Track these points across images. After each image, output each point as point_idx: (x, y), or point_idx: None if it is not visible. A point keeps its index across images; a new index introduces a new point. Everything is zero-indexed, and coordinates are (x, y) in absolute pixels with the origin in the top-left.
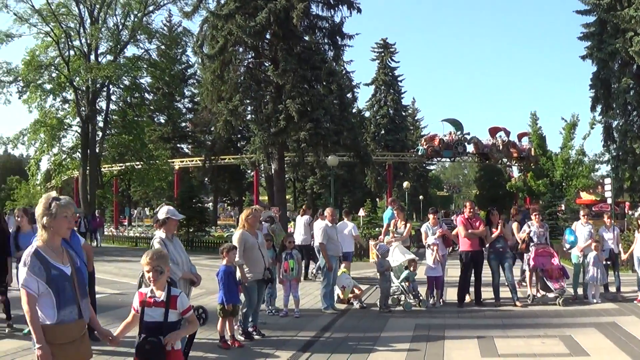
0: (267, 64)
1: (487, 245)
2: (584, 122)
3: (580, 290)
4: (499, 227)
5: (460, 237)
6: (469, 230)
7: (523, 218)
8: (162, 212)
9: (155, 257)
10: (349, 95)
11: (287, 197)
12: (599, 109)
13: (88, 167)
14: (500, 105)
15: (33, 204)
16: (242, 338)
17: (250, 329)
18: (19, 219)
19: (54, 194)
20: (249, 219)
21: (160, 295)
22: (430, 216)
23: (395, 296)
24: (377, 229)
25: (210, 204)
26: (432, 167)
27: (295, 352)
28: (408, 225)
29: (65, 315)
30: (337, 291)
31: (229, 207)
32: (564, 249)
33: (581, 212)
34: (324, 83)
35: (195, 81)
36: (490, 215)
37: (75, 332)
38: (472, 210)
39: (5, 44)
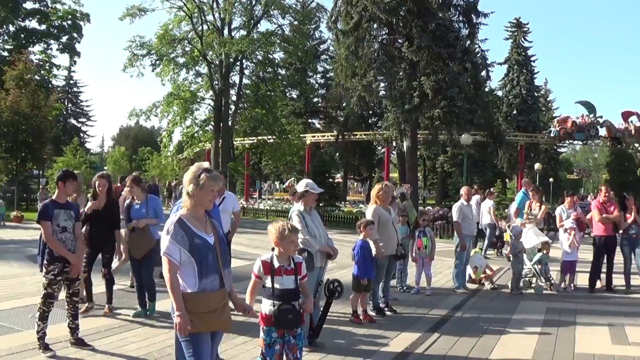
0: (401, 41)
1: (620, 231)
2: None
3: None
4: (633, 213)
5: (593, 221)
6: (603, 215)
7: None
8: (302, 185)
9: (291, 230)
10: (483, 73)
11: (418, 174)
12: None
13: (220, 140)
14: (634, 89)
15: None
16: (374, 313)
17: (381, 305)
18: (128, 189)
19: (206, 164)
20: (380, 195)
21: (290, 263)
22: (567, 199)
23: (527, 279)
24: (506, 210)
25: (340, 179)
26: (562, 150)
27: (426, 331)
28: (543, 207)
29: (207, 284)
30: (469, 271)
31: (356, 184)
32: None
33: None
34: (458, 61)
35: (328, 57)
36: (626, 200)
37: (217, 302)
38: (607, 194)
39: (139, 18)
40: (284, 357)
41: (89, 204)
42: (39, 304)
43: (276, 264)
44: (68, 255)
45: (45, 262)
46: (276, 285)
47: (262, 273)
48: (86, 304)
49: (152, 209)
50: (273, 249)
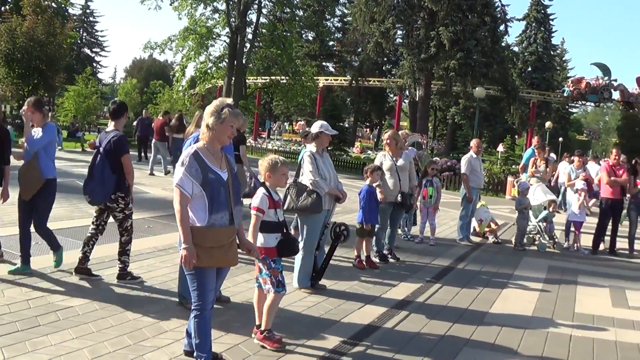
0: None
1: (628, 195)
2: None
3: None
4: None
5: (602, 183)
6: (612, 178)
7: None
8: (316, 126)
9: (282, 163)
10: (501, 28)
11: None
12: None
13: (233, 78)
14: None
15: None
16: (377, 260)
17: (385, 252)
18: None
19: (229, 100)
20: (389, 142)
21: (278, 196)
22: (575, 159)
23: (531, 235)
24: (514, 166)
25: (349, 124)
26: (574, 110)
27: (428, 280)
28: (549, 165)
29: (217, 219)
30: (474, 224)
31: (366, 130)
32: None
33: None
34: (478, 14)
35: (347, 1)
36: (637, 165)
37: (225, 238)
38: (617, 157)
39: None
40: (269, 280)
41: None
42: None
43: (275, 197)
44: None
45: None
46: (279, 218)
47: (267, 207)
48: None
49: (46, 139)
50: (263, 184)
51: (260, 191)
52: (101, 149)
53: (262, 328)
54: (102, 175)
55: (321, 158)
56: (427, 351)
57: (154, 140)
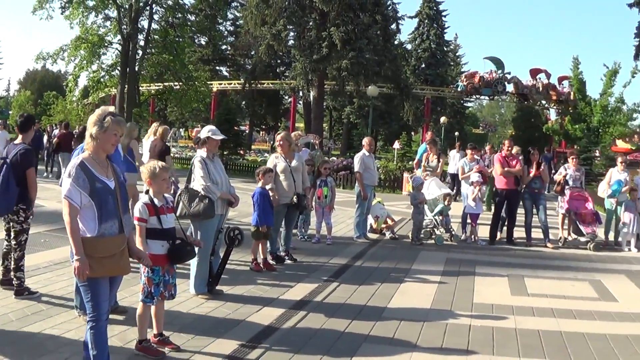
0: None
1: (523, 185)
2: (625, 70)
3: (611, 237)
4: (537, 167)
5: (496, 174)
6: (505, 169)
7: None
8: (204, 131)
9: (162, 168)
10: (393, 26)
11: (324, 125)
12: None
13: (126, 85)
14: (543, 47)
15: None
16: (274, 262)
17: (282, 253)
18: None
19: (111, 108)
20: (282, 144)
21: (167, 202)
22: (468, 152)
23: (428, 229)
24: (410, 162)
25: (246, 128)
26: (469, 105)
27: (326, 279)
28: (441, 160)
29: (106, 228)
30: (370, 220)
31: (262, 133)
32: (605, 195)
33: (618, 159)
34: (369, 13)
35: (239, 4)
36: (530, 155)
37: (115, 247)
38: (510, 148)
39: None
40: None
41: None
42: None
43: (158, 204)
44: None
45: None
46: (164, 225)
47: (147, 215)
48: None
49: None
50: (147, 191)
51: (142, 200)
52: (7, 161)
53: (138, 338)
54: (6, 187)
55: (212, 163)
56: (325, 349)
57: (60, 153)
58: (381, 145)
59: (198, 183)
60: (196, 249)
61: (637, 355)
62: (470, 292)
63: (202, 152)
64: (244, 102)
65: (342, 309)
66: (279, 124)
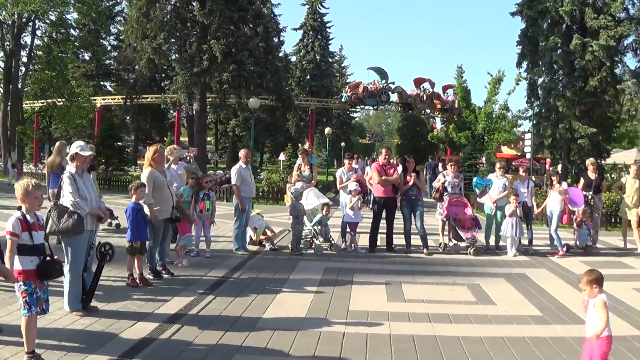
0: (194, 4)
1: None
2: (509, 78)
3: (492, 241)
4: (413, 175)
5: (373, 183)
6: (383, 177)
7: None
8: (73, 147)
9: (35, 186)
10: (275, 39)
11: (209, 138)
12: (524, 65)
13: (9, 103)
14: (427, 57)
15: None
16: (151, 277)
17: (159, 268)
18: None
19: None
20: (156, 157)
21: (38, 219)
22: (346, 162)
23: (307, 239)
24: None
25: (131, 143)
26: (355, 115)
27: (202, 293)
28: (314, 170)
29: None
30: (250, 232)
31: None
32: (477, 199)
33: (497, 165)
34: (250, 25)
35: (122, 19)
36: (406, 163)
37: None
38: (387, 157)
39: None
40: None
41: None
42: None
43: (30, 220)
44: None
45: None
46: (35, 241)
47: (20, 230)
48: None
49: None
50: (19, 208)
51: (15, 215)
52: None
53: (26, 350)
54: None
55: (81, 179)
56: None
57: None
58: (267, 157)
59: (67, 199)
60: (67, 267)
61: (513, 357)
62: (347, 300)
63: (71, 168)
64: (128, 117)
65: (216, 321)
66: (165, 138)
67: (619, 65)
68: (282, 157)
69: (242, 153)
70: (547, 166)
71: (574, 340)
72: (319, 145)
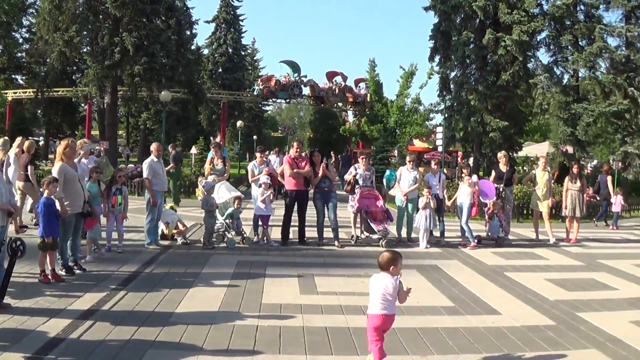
0: None
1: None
2: (421, 72)
3: (403, 233)
4: (322, 167)
5: (285, 176)
6: (295, 170)
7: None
8: None
9: None
10: (188, 31)
11: (120, 132)
12: (437, 59)
13: None
14: (340, 51)
15: None
16: (63, 272)
17: (70, 264)
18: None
19: None
20: (67, 152)
21: None
22: (258, 155)
23: (219, 233)
24: (203, 168)
25: (42, 137)
26: (268, 108)
27: (115, 287)
28: (227, 164)
29: None
30: (162, 227)
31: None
32: (389, 191)
33: (407, 158)
34: (163, 18)
35: (34, 11)
36: (313, 156)
37: None
38: (298, 150)
39: None
40: None
41: None
42: None
43: None
44: None
45: None
46: None
47: None
48: None
49: None
50: None
51: None
52: None
53: None
54: None
55: None
56: (111, 358)
57: None
58: (179, 151)
59: None
60: None
61: (426, 347)
62: (260, 293)
63: None
64: (39, 111)
65: (129, 317)
66: (76, 132)
67: (531, 59)
68: (193, 150)
69: (153, 146)
70: (458, 159)
71: (486, 330)
72: (230, 138)
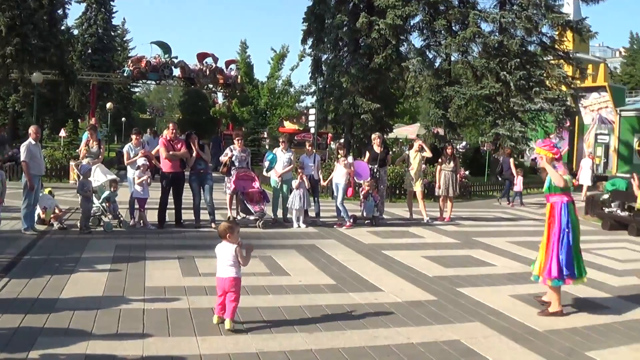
0: None
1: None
2: (293, 54)
3: (279, 214)
4: (195, 149)
5: (161, 158)
6: (170, 152)
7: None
8: None
9: None
10: (60, 11)
11: None
12: (310, 42)
13: None
14: (211, 32)
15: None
16: None
17: None
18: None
19: None
20: None
21: None
22: (133, 137)
23: (96, 216)
24: (77, 151)
25: None
26: (136, 90)
27: None
28: (102, 146)
29: None
30: (39, 211)
31: None
32: (264, 172)
33: (280, 139)
34: None
35: None
36: (189, 138)
37: None
38: (174, 131)
39: None
40: None
41: None
42: None
43: None
44: None
45: None
46: None
47: None
48: None
49: None
50: None
51: None
52: None
53: None
54: None
55: None
56: (1, 347)
57: None
58: (47, 134)
59: None
60: None
61: (312, 323)
62: (142, 277)
63: None
64: None
65: (14, 304)
66: None
67: (404, 43)
68: (62, 133)
69: (32, 129)
70: (328, 140)
71: (370, 306)
72: (100, 120)
